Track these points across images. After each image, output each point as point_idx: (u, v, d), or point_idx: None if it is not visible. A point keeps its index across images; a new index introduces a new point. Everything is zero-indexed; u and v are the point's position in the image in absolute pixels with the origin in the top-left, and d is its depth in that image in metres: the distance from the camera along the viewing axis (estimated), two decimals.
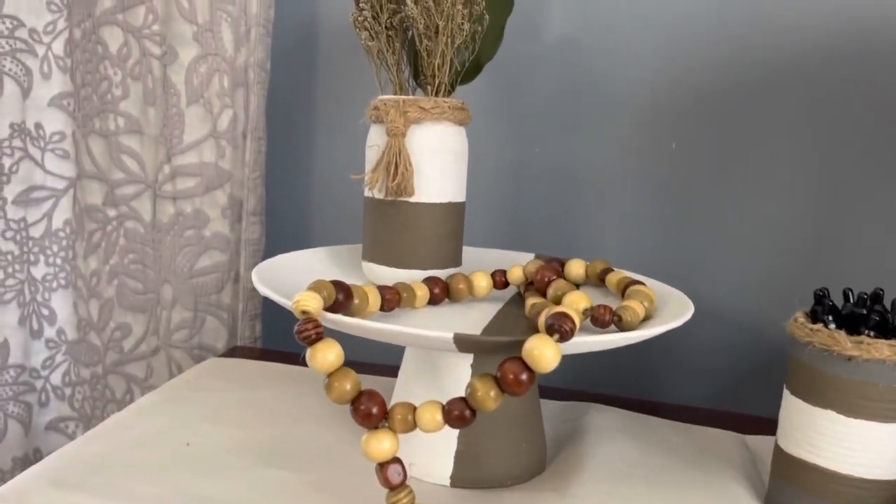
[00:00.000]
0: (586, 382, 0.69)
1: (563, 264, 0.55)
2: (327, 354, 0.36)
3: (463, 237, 0.53)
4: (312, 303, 0.37)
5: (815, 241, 0.64)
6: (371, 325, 0.38)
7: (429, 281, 0.48)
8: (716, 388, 0.68)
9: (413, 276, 0.50)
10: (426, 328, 0.42)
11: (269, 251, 0.73)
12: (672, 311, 0.46)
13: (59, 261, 0.76)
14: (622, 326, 0.43)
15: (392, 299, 0.45)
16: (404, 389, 0.47)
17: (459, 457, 0.45)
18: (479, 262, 0.57)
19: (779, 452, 0.45)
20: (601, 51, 0.66)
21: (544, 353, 0.35)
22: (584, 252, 0.69)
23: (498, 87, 0.69)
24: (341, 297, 0.40)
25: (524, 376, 0.35)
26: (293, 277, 0.49)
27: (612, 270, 0.53)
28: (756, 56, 0.62)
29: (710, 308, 0.67)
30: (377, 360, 0.68)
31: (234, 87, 0.66)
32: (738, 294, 0.66)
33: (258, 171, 0.69)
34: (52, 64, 0.72)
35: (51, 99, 0.73)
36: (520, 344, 0.36)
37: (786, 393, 0.45)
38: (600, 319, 0.43)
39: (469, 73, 0.54)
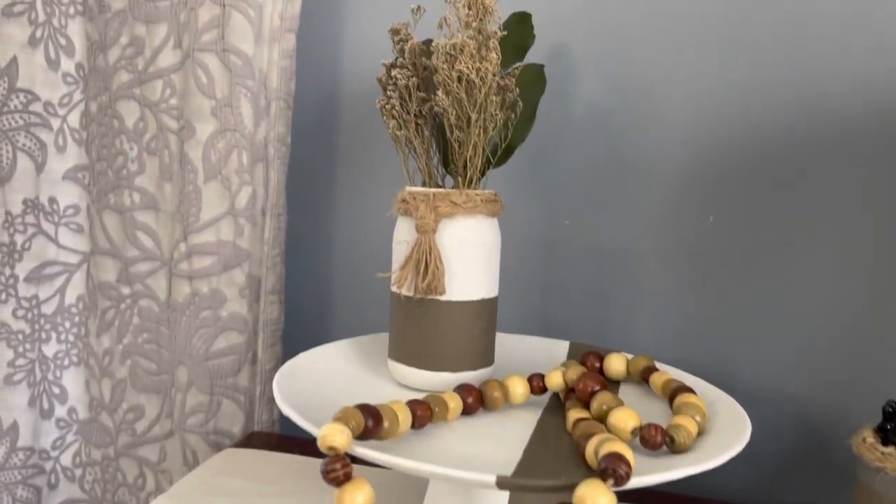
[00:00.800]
0: None
1: (601, 358, 0.52)
2: (356, 497, 0.33)
3: (496, 332, 0.50)
4: (340, 438, 0.34)
5: (867, 319, 0.60)
6: (406, 464, 0.34)
7: (462, 390, 0.45)
8: (756, 477, 0.64)
9: (443, 380, 0.47)
10: (461, 451, 0.39)
11: (288, 331, 0.70)
12: (724, 423, 0.43)
13: (71, 337, 0.73)
14: (675, 448, 0.39)
15: (423, 416, 0.41)
16: None
17: None
18: (510, 355, 0.54)
19: None
20: (633, 119, 0.63)
21: (598, 502, 0.32)
22: (618, 333, 0.65)
23: (524, 159, 0.66)
24: (371, 424, 0.37)
25: None
26: (317, 384, 0.46)
27: (656, 369, 0.49)
28: (799, 119, 0.59)
29: (750, 391, 0.63)
30: None
31: (253, 163, 0.64)
32: (781, 376, 0.62)
33: (277, 249, 0.66)
34: (68, 136, 0.70)
35: (66, 172, 0.71)
36: (570, 488, 0.33)
37: None
38: (651, 441, 0.39)
39: (500, 157, 0.51)
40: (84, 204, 0.72)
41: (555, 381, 0.46)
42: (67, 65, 0.70)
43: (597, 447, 0.36)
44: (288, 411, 0.39)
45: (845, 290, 0.60)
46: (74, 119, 0.70)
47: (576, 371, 0.45)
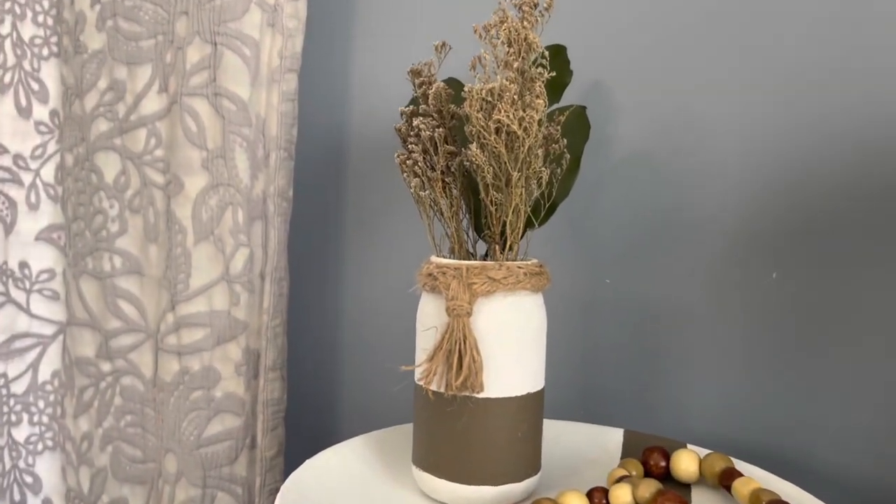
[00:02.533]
0: None
1: (667, 456, 0.43)
2: None
3: (542, 435, 0.42)
4: None
5: None
6: None
7: None
8: None
9: (483, 496, 0.39)
10: None
11: (291, 413, 0.62)
12: None
13: (45, 419, 0.65)
14: None
15: None
16: None
17: None
18: (555, 449, 0.46)
19: None
20: (680, 166, 0.55)
21: None
22: (670, 409, 0.56)
23: (560, 212, 0.58)
24: None
25: None
26: (331, 501, 0.38)
27: (738, 473, 0.41)
28: (874, 163, 0.51)
29: (823, 472, 0.54)
30: None
31: (250, 222, 0.56)
32: (857, 456, 0.53)
33: (279, 318, 0.58)
34: (41, 192, 0.63)
35: (39, 232, 0.63)
36: None
37: None
38: None
39: (543, 218, 0.43)
40: (60, 268, 0.63)
41: (622, 499, 0.37)
42: (41, 112, 0.62)
43: None
44: None
45: None
46: (49, 173, 0.63)
47: (648, 488, 0.37)
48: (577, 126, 0.46)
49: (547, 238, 0.58)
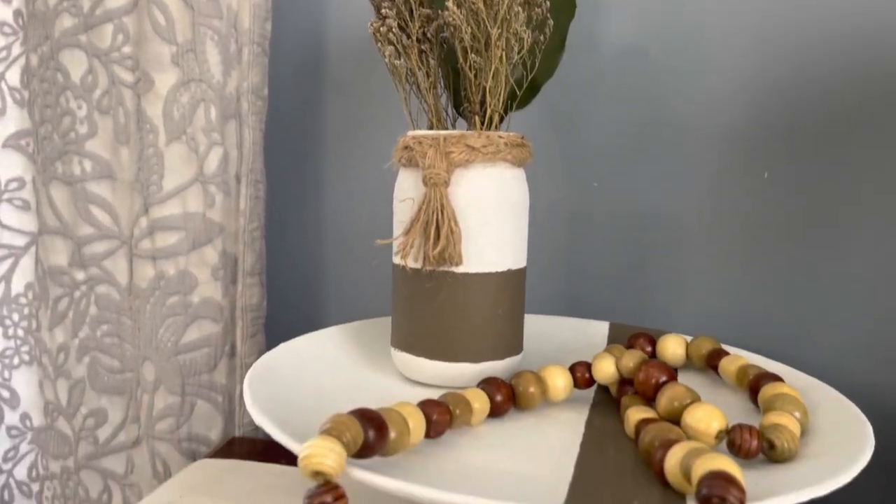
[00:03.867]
0: None
1: (653, 341, 0.42)
2: None
3: (524, 316, 0.40)
4: (330, 459, 0.24)
5: None
6: (423, 493, 0.25)
7: (488, 385, 0.35)
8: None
9: (462, 373, 0.37)
10: (493, 468, 0.30)
11: (273, 320, 0.60)
12: (828, 420, 0.33)
13: (20, 332, 0.63)
14: (775, 456, 0.30)
15: (441, 421, 0.32)
16: None
17: None
18: (539, 341, 0.44)
19: None
20: (673, 63, 0.53)
21: None
22: (659, 312, 0.55)
23: (546, 111, 0.56)
24: (372, 437, 0.27)
25: None
26: (301, 383, 0.36)
27: (726, 353, 0.40)
28: (876, 59, 0.49)
29: (810, 371, 0.53)
30: None
31: (223, 120, 0.54)
32: (853, 361, 0.52)
33: (256, 223, 0.56)
34: (7, 97, 0.60)
35: (6, 139, 0.61)
36: None
37: None
38: (744, 448, 0.30)
39: (523, 96, 0.41)
40: (29, 176, 0.61)
41: (606, 370, 0.36)
42: (4, 13, 0.59)
43: (685, 461, 0.26)
44: (262, 421, 0.30)
45: None
46: (14, 76, 0.60)
47: (632, 358, 0.36)
48: (562, 4, 0.44)
49: (534, 145, 0.56)
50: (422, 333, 0.38)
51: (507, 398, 0.35)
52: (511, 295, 0.38)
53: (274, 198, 0.61)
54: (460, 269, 0.37)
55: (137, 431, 0.59)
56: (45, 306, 0.60)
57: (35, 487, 0.65)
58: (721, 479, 0.23)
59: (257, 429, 0.59)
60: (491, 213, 0.37)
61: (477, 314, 0.37)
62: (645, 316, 0.55)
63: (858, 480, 0.51)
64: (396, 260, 0.39)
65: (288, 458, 0.51)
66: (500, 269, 0.37)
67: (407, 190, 0.37)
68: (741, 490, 0.23)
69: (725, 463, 0.24)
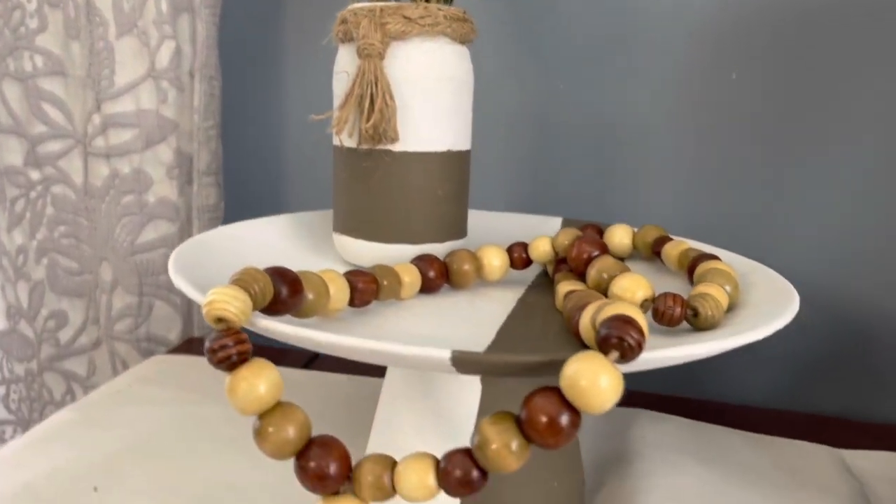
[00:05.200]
0: (627, 379, 0.55)
1: (601, 232, 0.42)
2: (257, 385, 0.23)
3: (468, 200, 0.40)
4: (234, 305, 0.24)
5: None
6: (323, 338, 0.24)
7: (421, 261, 0.34)
8: (786, 383, 0.54)
9: (401, 253, 0.37)
10: (414, 332, 0.29)
11: (230, 220, 0.60)
12: (762, 296, 0.33)
13: None
14: (699, 324, 0.29)
15: (366, 290, 0.31)
16: (386, 422, 0.34)
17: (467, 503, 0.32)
18: (489, 233, 0.44)
19: None
20: None
21: (597, 382, 0.22)
22: (620, 217, 0.55)
23: (505, 10, 0.54)
24: (284, 293, 0.27)
25: (564, 420, 0.22)
26: (235, 259, 0.36)
27: (670, 239, 0.39)
28: None
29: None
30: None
31: (175, 13, 0.52)
32: (813, 268, 0.52)
33: (211, 121, 0.55)
34: None
35: None
36: (554, 365, 0.23)
37: None
38: (667, 315, 0.29)
39: None
40: None
41: (541, 248, 0.36)
42: None
43: (594, 315, 0.25)
44: (177, 279, 0.29)
45: (893, 167, 0.49)
46: None
47: (567, 236, 0.35)
48: None
49: (497, 48, 0.54)
50: (360, 215, 0.37)
51: (439, 274, 0.34)
52: (452, 177, 0.38)
53: (231, 96, 0.59)
54: (397, 148, 0.36)
55: (97, 333, 0.59)
56: (3, 208, 0.60)
57: (1, 391, 0.66)
58: (620, 320, 0.23)
59: None
60: (429, 89, 0.36)
61: (415, 195, 0.36)
62: (608, 219, 0.55)
63: (818, 383, 0.51)
64: (335, 141, 0.38)
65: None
66: (439, 149, 0.37)
67: (343, 64, 0.36)
68: (640, 332, 0.23)
69: (629, 309, 0.24)
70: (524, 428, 0.23)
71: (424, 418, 0.32)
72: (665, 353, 0.24)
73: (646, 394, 0.50)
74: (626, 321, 0.23)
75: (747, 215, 0.52)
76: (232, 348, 0.23)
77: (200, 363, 0.50)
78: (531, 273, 0.39)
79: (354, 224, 0.38)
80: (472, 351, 0.23)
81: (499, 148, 0.56)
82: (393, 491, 0.24)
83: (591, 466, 0.39)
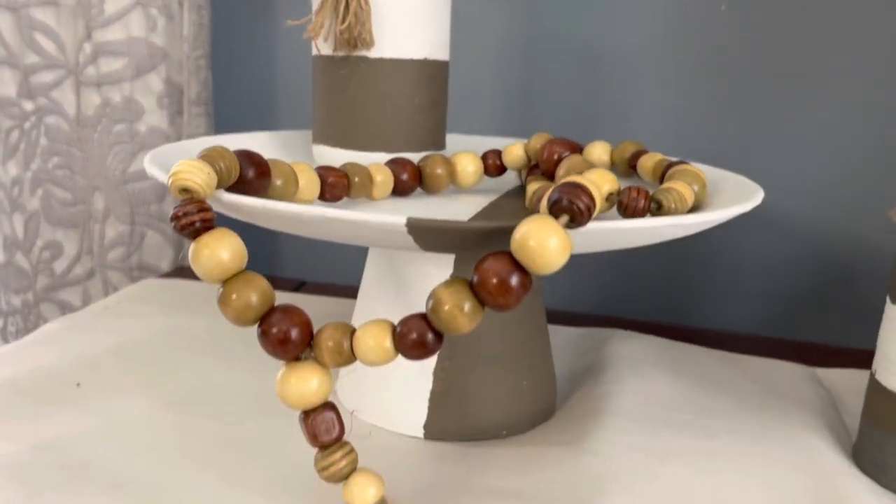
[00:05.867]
0: (608, 308, 0.56)
1: (580, 149, 0.42)
2: (219, 252, 0.24)
3: (447, 112, 0.40)
4: (199, 177, 0.25)
5: None
6: (287, 209, 0.25)
7: (394, 163, 0.35)
8: (768, 315, 0.55)
9: (376, 161, 0.37)
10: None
11: None
12: (729, 197, 0.33)
13: None
14: (662, 216, 0.30)
15: (337, 184, 0.32)
16: (363, 314, 0.35)
17: (436, 399, 0.33)
18: (468, 149, 0.44)
19: (876, 390, 0.32)
20: None
21: (545, 242, 0.22)
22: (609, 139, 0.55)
23: None
24: (251, 174, 0.27)
25: (514, 280, 0.23)
26: None
27: (647, 153, 0.40)
28: None
29: (762, 217, 0.53)
30: (340, 279, 0.56)
31: None
32: (799, 199, 0.52)
33: (201, 50, 0.55)
34: None
35: None
36: (507, 232, 0.24)
37: (890, 308, 0.32)
38: (631, 207, 0.30)
39: None
40: None
41: (514, 154, 0.37)
42: None
43: (551, 194, 0.26)
44: (150, 167, 0.30)
45: (885, 98, 0.49)
46: None
47: (540, 139, 0.36)
48: None
49: None
50: (336, 123, 0.38)
51: (412, 177, 0.35)
52: (429, 86, 0.38)
53: (221, 26, 0.59)
54: (373, 54, 0.36)
55: (91, 263, 0.60)
56: None
57: None
58: (571, 185, 0.23)
59: None
60: None
61: (391, 102, 0.37)
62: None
63: (801, 314, 0.51)
64: (313, 50, 0.38)
65: None
66: (415, 57, 0.37)
67: None
68: (590, 198, 0.23)
69: (581, 179, 0.24)
70: (476, 290, 0.23)
71: (398, 303, 0.33)
72: (615, 224, 0.25)
73: (626, 320, 0.50)
74: (577, 186, 0.23)
75: (731, 148, 0.53)
76: (195, 215, 0.24)
77: (189, 285, 0.51)
78: (508, 184, 0.40)
79: (331, 132, 0.38)
80: (426, 217, 0.24)
81: (486, 71, 0.56)
82: (352, 355, 0.25)
83: (565, 378, 0.40)
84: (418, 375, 0.33)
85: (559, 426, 0.35)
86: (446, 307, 0.23)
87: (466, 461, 0.31)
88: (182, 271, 0.56)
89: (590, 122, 0.55)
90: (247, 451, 0.31)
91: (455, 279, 0.24)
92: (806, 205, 0.52)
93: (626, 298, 0.57)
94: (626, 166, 0.41)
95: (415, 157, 0.38)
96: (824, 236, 0.53)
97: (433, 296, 0.24)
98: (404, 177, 0.35)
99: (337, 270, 0.58)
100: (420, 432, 0.33)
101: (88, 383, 0.36)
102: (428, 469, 0.31)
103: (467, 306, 0.23)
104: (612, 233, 0.25)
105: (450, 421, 0.33)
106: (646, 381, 0.39)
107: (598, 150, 0.41)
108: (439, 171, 0.35)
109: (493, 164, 0.37)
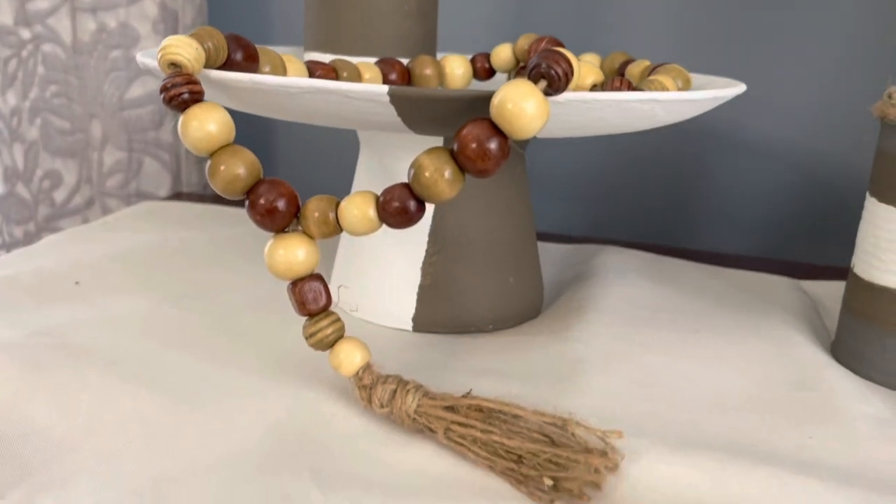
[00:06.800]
0: (601, 233, 0.57)
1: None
2: (207, 123, 0.25)
3: (437, 22, 0.41)
4: (188, 51, 0.25)
5: None
6: (267, 81, 0.26)
7: (383, 63, 0.36)
8: (762, 241, 0.55)
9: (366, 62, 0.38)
10: None
11: None
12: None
13: None
14: None
15: (325, 77, 0.32)
16: None
17: (424, 292, 0.34)
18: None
19: (855, 283, 0.33)
20: None
21: (523, 106, 0.23)
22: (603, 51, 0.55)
23: None
24: (238, 56, 0.28)
25: (492, 144, 0.24)
26: None
27: (635, 61, 0.40)
28: None
29: (752, 141, 0.54)
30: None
31: None
32: (789, 123, 0.53)
33: None
34: None
35: None
36: (488, 100, 0.24)
37: (869, 201, 0.32)
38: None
39: None
40: None
41: (503, 55, 0.37)
42: None
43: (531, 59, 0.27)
44: (141, 58, 0.31)
45: (879, 24, 0.49)
46: None
47: (528, 39, 0.36)
48: None
49: None
50: (327, 29, 0.38)
51: (401, 77, 0.36)
52: None
53: None
54: None
55: (90, 192, 0.60)
56: None
57: (2, 255, 0.68)
58: (549, 51, 0.24)
59: (206, 186, 0.60)
60: None
61: (379, 8, 0.37)
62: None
63: (793, 241, 0.51)
64: None
65: (238, 206, 0.53)
66: None
67: None
68: (569, 65, 0.24)
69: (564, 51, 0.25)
70: (457, 157, 0.24)
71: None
72: (590, 95, 0.25)
73: (619, 241, 0.51)
74: (555, 53, 0.24)
75: (717, 64, 0.53)
76: (183, 87, 0.25)
77: (187, 207, 0.52)
78: (496, 84, 0.40)
79: (322, 38, 0.39)
80: (408, 87, 0.24)
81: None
82: (338, 226, 0.25)
83: (554, 286, 0.41)
84: (407, 269, 0.34)
85: (545, 322, 0.36)
86: (427, 173, 0.24)
87: (452, 348, 0.32)
88: (180, 195, 0.57)
89: (589, 37, 0.55)
90: (241, 339, 0.32)
91: (437, 147, 0.24)
92: (802, 132, 0.52)
93: (620, 224, 0.57)
94: (618, 75, 0.41)
95: (405, 60, 0.38)
96: (819, 163, 0.53)
97: (415, 163, 0.24)
98: (393, 76, 0.35)
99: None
100: (409, 325, 0.34)
101: (87, 283, 0.37)
102: (414, 353, 0.32)
103: (448, 172, 0.24)
104: (587, 104, 0.25)
105: (437, 313, 0.34)
106: (632, 287, 0.40)
107: (588, 60, 0.41)
108: (428, 71, 0.36)
109: (482, 67, 0.37)
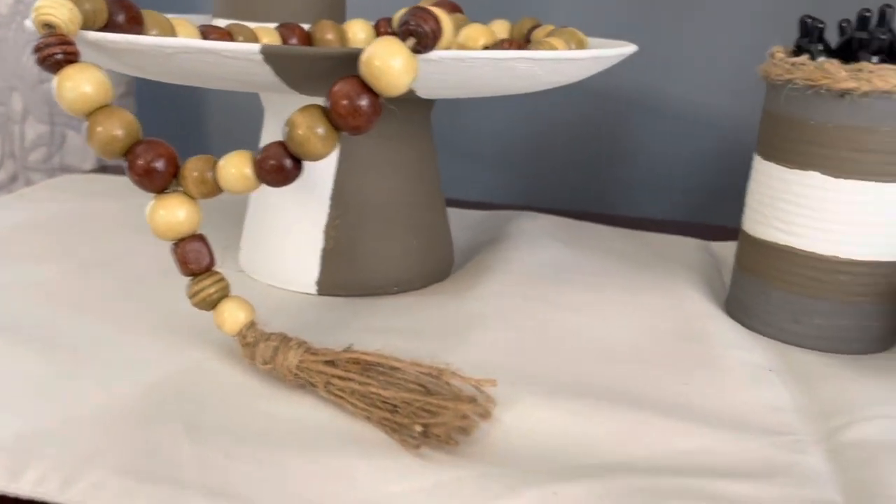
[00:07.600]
0: (527, 199, 0.58)
1: (461, 10, 0.43)
2: (81, 84, 0.24)
3: None
4: (62, 11, 0.25)
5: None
6: (142, 41, 0.26)
7: (283, 27, 0.36)
8: (680, 203, 0.57)
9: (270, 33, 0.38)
10: None
11: None
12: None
13: None
14: None
15: (220, 40, 0.32)
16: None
17: (328, 256, 0.34)
18: None
19: (744, 240, 0.34)
20: None
21: (390, 62, 0.23)
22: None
23: None
24: (120, 19, 0.28)
25: (363, 101, 0.24)
26: None
27: (542, 25, 0.40)
28: None
29: (674, 106, 0.55)
30: None
31: None
32: (708, 88, 0.54)
33: None
34: None
35: None
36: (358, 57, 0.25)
37: (756, 160, 0.34)
38: None
39: None
40: None
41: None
42: None
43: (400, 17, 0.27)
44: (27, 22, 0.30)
45: None
46: None
47: (428, 1, 0.36)
48: None
49: None
50: None
51: (302, 41, 0.36)
52: None
53: None
54: None
55: (14, 166, 0.60)
56: None
57: None
58: (418, 9, 0.24)
59: None
60: None
61: None
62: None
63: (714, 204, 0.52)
64: None
65: None
66: None
67: None
68: (437, 23, 0.24)
69: (436, 9, 0.25)
70: (329, 114, 0.24)
71: None
72: (469, 53, 0.25)
73: (542, 209, 0.51)
74: (424, 10, 0.24)
75: (637, 33, 0.54)
76: (56, 47, 0.25)
77: (108, 179, 0.52)
78: None
79: (230, 5, 0.38)
80: (279, 45, 0.25)
81: None
82: (216, 185, 0.26)
83: (466, 250, 0.41)
84: (310, 233, 0.34)
85: (451, 283, 0.36)
86: (300, 130, 0.24)
87: (354, 309, 0.33)
88: (105, 169, 0.57)
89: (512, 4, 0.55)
90: (141, 303, 0.32)
91: (310, 105, 0.25)
92: (721, 97, 0.53)
93: (546, 192, 0.58)
94: (525, 40, 0.41)
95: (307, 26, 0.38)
96: (737, 128, 0.54)
97: (289, 121, 0.25)
98: (293, 41, 0.35)
99: None
100: (313, 289, 0.35)
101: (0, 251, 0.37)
102: (314, 315, 0.32)
103: (321, 129, 0.24)
104: (463, 63, 0.26)
105: (342, 277, 0.35)
106: (542, 249, 0.41)
107: (498, 27, 0.42)
108: (329, 36, 0.36)
109: (386, 32, 0.37)
